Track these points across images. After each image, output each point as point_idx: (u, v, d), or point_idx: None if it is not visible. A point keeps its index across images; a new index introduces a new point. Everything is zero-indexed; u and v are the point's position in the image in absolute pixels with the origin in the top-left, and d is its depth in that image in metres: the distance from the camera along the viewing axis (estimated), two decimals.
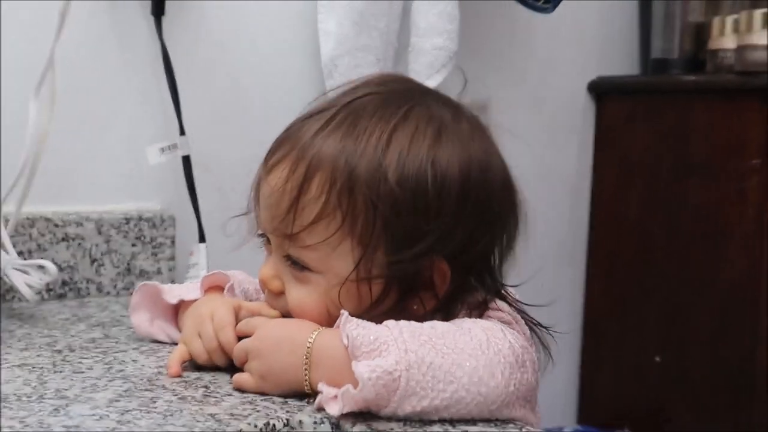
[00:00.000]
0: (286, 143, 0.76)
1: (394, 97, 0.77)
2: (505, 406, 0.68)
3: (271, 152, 0.77)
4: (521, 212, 0.78)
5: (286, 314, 0.77)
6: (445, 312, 0.76)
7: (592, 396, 1.69)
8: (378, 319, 0.70)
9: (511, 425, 0.68)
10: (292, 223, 0.73)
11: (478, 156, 0.75)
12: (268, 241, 0.78)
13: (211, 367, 0.78)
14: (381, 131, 0.73)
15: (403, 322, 0.68)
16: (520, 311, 0.77)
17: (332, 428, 0.66)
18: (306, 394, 0.71)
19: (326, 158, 0.72)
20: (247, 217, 0.80)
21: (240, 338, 0.75)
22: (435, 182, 0.72)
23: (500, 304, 0.77)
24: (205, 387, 0.74)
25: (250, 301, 0.84)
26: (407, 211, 0.72)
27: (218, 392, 0.72)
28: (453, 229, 0.73)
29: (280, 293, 0.77)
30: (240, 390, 0.73)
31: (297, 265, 0.75)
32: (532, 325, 0.77)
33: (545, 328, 0.78)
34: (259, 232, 0.79)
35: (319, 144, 0.73)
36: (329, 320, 0.73)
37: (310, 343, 0.69)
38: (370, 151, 0.72)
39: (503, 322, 0.74)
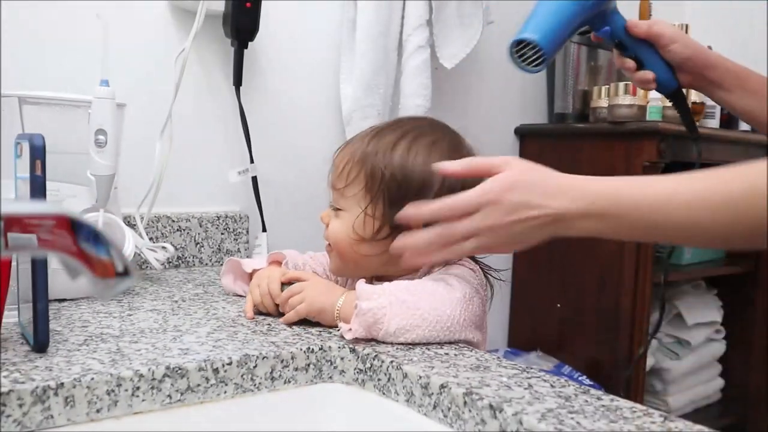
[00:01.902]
0: (346, 146, 0.82)
1: (403, 124, 0.81)
2: (459, 327, 0.69)
3: (339, 150, 0.82)
4: None
5: (326, 239, 0.81)
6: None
7: (517, 330, 1.70)
8: (379, 246, 0.75)
9: (466, 348, 0.68)
10: (343, 182, 0.78)
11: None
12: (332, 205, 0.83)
13: (272, 314, 0.78)
14: (390, 140, 0.78)
15: (393, 282, 0.71)
16: (480, 264, 0.80)
17: (350, 350, 0.67)
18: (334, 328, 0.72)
19: (361, 154, 0.78)
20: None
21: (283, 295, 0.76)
22: (421, 170, 0.75)
23: (468, 261, 0.79)
24: (269, 325, 0.74)
25: (299, 268, 0.86)
26: (398, 184, 0.75)
27: (276, 329, 0.73)
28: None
29: (326, 224, 0.81)
30: (288, 325, 0.74)
31: (337, 210, 0.80)
32: (486, 272, 0.80)
33: (495, 270, 0.81)
34: (330, 202, 0.83)
35: (358, 146, 0.79)
36: (348, 239, 0.77)
37: (339, 306, 0.72)
38: (383, 150, 0.77)
39: (470, 268, 0.76)
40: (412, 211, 0.64)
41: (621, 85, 1.45)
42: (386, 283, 0.70)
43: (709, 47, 1.80)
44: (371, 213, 0.76)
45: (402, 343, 0.68)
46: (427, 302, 0.68)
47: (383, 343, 0.68)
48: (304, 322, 0.74)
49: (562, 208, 0.60)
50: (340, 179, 0.79)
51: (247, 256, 1.20)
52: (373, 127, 0.82)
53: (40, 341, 0.61)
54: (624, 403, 0.55)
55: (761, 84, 0.83)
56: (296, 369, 0.65)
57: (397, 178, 0.75)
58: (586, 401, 0.55)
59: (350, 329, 0.67)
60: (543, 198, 0.61)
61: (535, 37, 0.79)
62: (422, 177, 0.75)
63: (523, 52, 0.81)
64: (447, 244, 0.63)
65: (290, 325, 0.74)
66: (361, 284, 0.70)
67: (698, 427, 0.50)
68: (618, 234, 0.61)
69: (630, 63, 0.87)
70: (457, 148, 0.79)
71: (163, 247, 1.00)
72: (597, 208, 0.60)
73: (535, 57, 0.81)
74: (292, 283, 0.76)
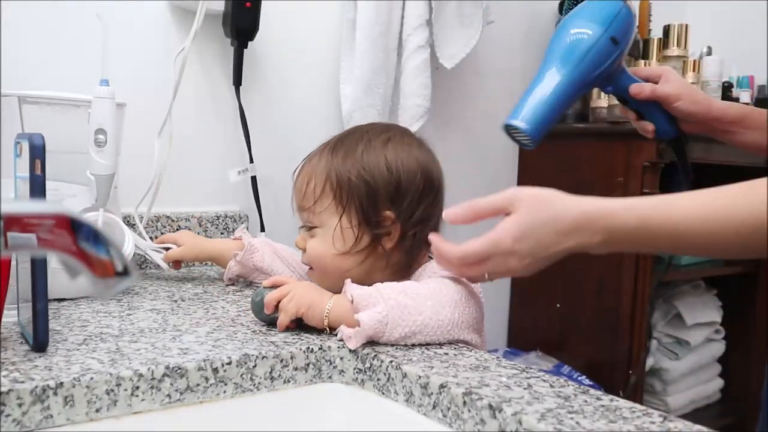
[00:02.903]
0: (303, 166, 0.83)
1: (354, 131, 0.82)
2: (458, 329, 0.69)
3: (297, 172, 0.83)
4: (440, 197, 0.81)
5: (306, 262, 0.82)
6: (409, 257, 0.79)
7: (516, 330, 1.69)
8: (360, 256, 0.76)
9: (465, 348, 0.68)
10: (311, 200, 0.78)
11: (419, 160, 0.79)
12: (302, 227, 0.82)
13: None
14: (347, 148, 0.79)
15: (386, 283, 0.69)
16: None
17: (349, 350, 0.67)
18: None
19: (322, 168, 0.79)
20: (292, 207, 0.84)
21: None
22: (384, 167, 0.77)
23: None
24: (267, 326, 0.74)
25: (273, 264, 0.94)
26: (365, 186, 0.76)
27: (275, 329, 0.72)
28: (400, 199, 0.77)
29: (303, 249, 0.81)
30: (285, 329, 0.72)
31: (310, 229, 0.80)
32: None
33: None
34: (300, 225, 0.83)
35: (316, 162, 0.80)
36: (329, 255, 0.77)
37: (329, 308, 0.70)
38: (342, 158, 0.78)
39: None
40: (436, 256, 0.69)
41: None
42: (380, 285, 0.69)
43: (709, 48, 1.81)
44: (347, 224, 0.76)
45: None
46: (427, 306, 0.67)
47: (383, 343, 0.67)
48: (303, 324, 0.74)
49: (577, 245, 0.61)
50: (307, 198, 0.79)
51: None
52: (324, 143, 0.82)
53: (39, 341, 0.61)
54: (623, 403, 0.55)
55: (761, 117, 0.86)
56: (296, 369, 0.65)
57: (364, 179, 0.76)
58: (586, 401, 0.55)
59: (350, 337, 0.66)
60: (557, 237, 0.61)
61: (522, 125, 0.78)
62: (385, 176, 0.76)
63: (513, 132, 0.81)
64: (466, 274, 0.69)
65: (288, 327, 0.73)
66: (353, 287, 0.68)
67: (698, 427, 0.50)
68: (634, 252, 0.63)
69: (632, 113, 0.89)
70: (410, 141, 0.81)
71: (167, 248, 0.98)
72: (613, 240, 0.60)
73: (524, 138, 0.81)
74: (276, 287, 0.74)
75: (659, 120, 0.87)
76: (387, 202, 0.76)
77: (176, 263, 0.98)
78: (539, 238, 0.61)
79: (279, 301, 0.71)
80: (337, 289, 0.72)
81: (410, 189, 0.77)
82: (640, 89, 0.83)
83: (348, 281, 0.70)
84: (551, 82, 0.78)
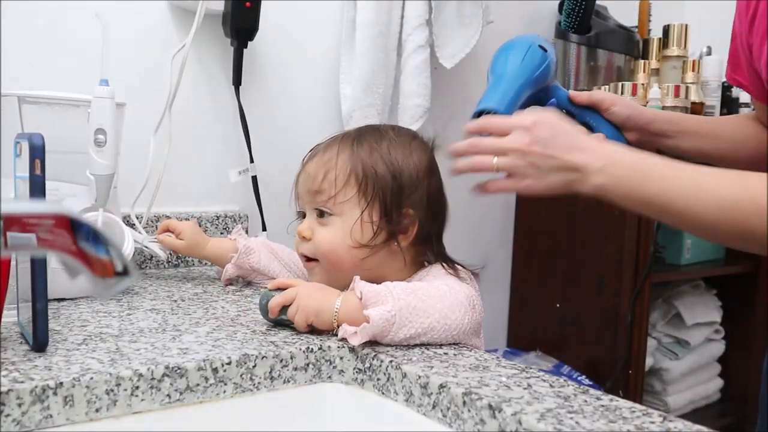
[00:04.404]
0: (315, 155, 0.81)
1: (376, 129, 0.82)
2: (462, 334, 0.69)
3: (308, 159, 0.82)
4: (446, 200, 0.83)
5: (311, 254, 0.79)
6: (420, 256, 0.80)
7: (516, 329, 1.69)
8: (374, 249, 0.75)
9: (465, 348, 0.69)
10: (332, 188, 0.77)
11: (430, 162, 0.80)
12: (302, 216, 0.81)
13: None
14: (371, 142, 0.78)
15: (395, 282, 0.69)
16: (472, 272, 0.79)
17: (349, 350, 0.67)
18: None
19: (345, 159, 0.77)
20: (293, 207, 0.84)
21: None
22: (411, 167, 0.77)
23: (463, 270, 0.78)
24: (274, 326, 0.74)
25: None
26: (392, 182, 0.76)
27: (275, 329, 0.73)
28: (420, 198, 0.77)
29: (308, 239, 0.78)
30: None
31: (323, 215, 0.77)
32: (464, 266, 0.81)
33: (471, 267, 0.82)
34: (298, 210, 0.82)
35: (337, 151, 0.78)
36: (345, 247, 0.76)
37: (337, 308, 0.69)
38: (368, 151, 0.77)
39: (461, 278, 0.75)
40: (466, 126, 0.75)
41: (620, 85, 1.45)
42: (389, 284, 0.68)
43: (709, 48, 1.81)
44: (368, 218, 0.75)
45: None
46: (436, 310, 0.67)
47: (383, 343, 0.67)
48: None
49: (580, 163, 0.67)
50: (327, 187, 0.76)
51: None
52: (338, 135, 0.81)
53: (39, 341, 0.61)
54: (623, 403, 0.55)
55: (698, 123, 0.92)
56: (295, 369, 0.65)
57: (392, 173, 0.76)
58: (585, 401, 0.55)
59: (356, 332, 0.66)
60: (569, 146, 0.68)
61: (493, 105, 0.88)
62: (411, 174, 0.77)
63: None
64: (478, 151, 0.73)
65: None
66: (362, 284, 0.68)
67: (697, 427, 0.50)
68: (620, 199, 0.67)
69: (581, 127, 0.96)
70: (425, 146, 0.82)
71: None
72: (609, 171, 0.66)
73: None
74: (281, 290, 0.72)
75: (606, 128, 0.93)
76: (409, 200, 0.77)
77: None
78: (555, 135, 0.68)
79: (283, 305, 0.71)
80: (343, 284, 0.71)
81: (431, 189, 0.78)
82: (576, 93, 0.93)
83: (357, 278, 0.69)
84: (504, 78, 0.90)
